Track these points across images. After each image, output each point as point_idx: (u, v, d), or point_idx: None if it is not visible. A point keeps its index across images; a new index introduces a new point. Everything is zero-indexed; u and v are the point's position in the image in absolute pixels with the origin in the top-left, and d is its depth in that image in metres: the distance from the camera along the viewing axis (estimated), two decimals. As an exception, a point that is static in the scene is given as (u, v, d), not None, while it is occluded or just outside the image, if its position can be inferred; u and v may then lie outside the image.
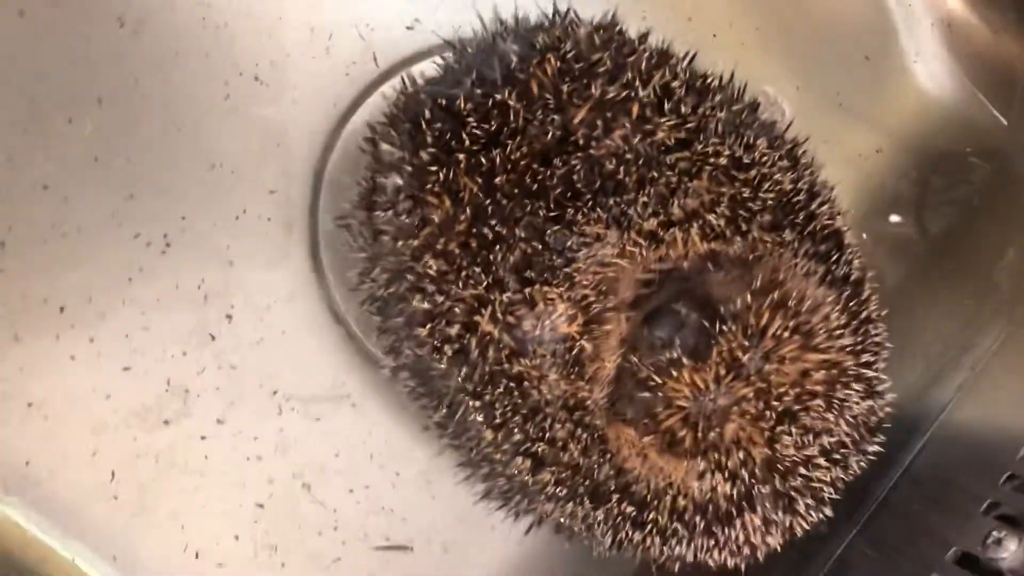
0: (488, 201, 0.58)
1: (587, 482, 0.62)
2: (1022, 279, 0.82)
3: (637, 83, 0.59)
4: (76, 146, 0.71)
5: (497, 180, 0.58)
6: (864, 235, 0.86)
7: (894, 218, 0.87)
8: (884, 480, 0.77)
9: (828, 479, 0.64)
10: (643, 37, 0.64)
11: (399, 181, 0.60)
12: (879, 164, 0.87)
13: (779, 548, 0.65)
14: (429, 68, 0.70)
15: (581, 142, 0.58)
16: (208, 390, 0.74)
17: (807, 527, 0.65)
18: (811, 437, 0.61)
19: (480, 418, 0.61)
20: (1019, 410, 0.74)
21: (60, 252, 0.70)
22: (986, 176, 0.86)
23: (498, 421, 0.61)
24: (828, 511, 0.66)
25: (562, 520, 0.65)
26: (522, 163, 0.58)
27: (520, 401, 0.60)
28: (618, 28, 0.64)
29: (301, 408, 0.77)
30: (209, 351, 0.75)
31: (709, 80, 0.63)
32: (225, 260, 0.75)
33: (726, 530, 0.63)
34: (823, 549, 0.76)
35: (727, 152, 0.60)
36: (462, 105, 0.59)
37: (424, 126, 0.59)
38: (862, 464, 0.66)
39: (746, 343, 0.60)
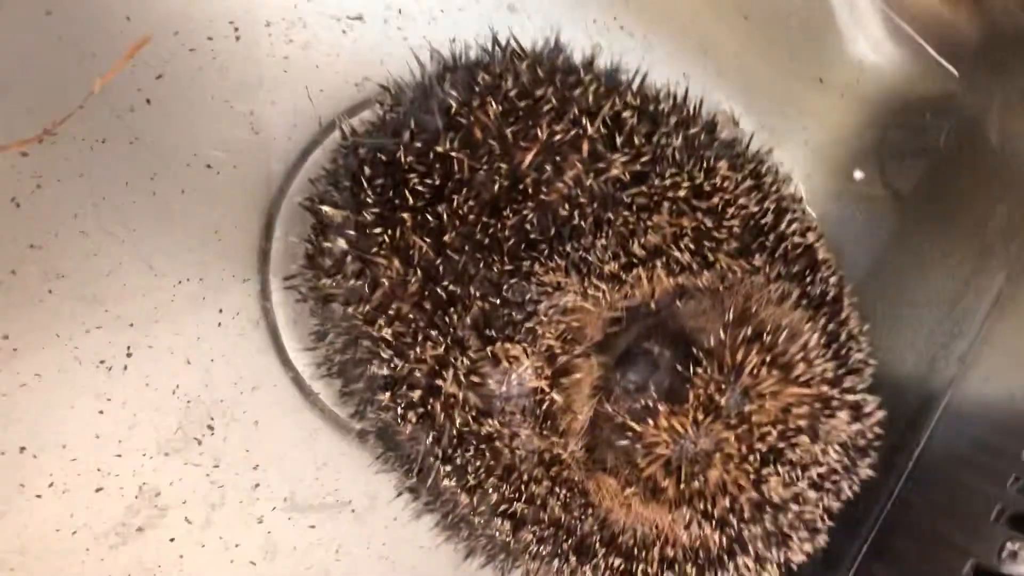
0: (439, 259, 0.54)
1: (571, 538, 0.60)
2: (1015, 235, 0.79)
3: (584, 120, 0.56)
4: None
5: (446, 237, 0.54)
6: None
7: (858, 174, 0.83)
8: (889, 488, 0.74)
9: (820, 509, 0.61)
10: (589, 64, 0.60)
11: (344, 245, 0.56)
12: (836, 125, 0.84)
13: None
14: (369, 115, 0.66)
15: (531, 189, 0.54)
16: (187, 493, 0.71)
17: (803, 558, 0.63)
18: (799, 472, 0.58)
19: (453, 482, 0.58)
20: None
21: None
22: (949, 129, 0.82)
23: (472, 483, 0.58)
24: (823, 539, 0.63)
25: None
26: (471, 216, 0.54)
27: (493, 462, 0.57)
28: (562, 55, 0.60)
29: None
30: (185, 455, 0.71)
31: (661, 105, 0.60)
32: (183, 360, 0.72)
33: (718, 574, 0.60)
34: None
35: (686, 182, 0.57)
36: (403, 159, 0.55)
37: (365, 184, 0.56)
38: (854, 488, 0.63)
39: (723, 382, 0.57)
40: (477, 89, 0.56)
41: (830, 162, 0.84)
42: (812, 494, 0.60)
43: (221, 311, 0.71)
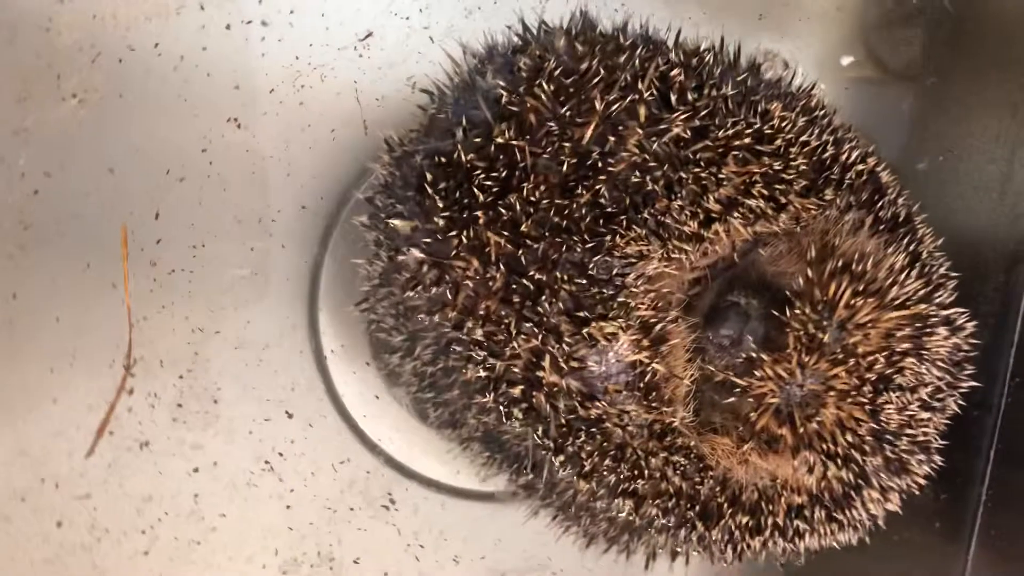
0: (519, 250, 0.53)
1: (695, 504, 0.58)
2: None
3: (636, 82, 0.54)
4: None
5: (523, 227, 0.53)
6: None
7: (845, 59, 0.81)
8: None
9: (932, 428, 0.60)
10: (622, 30, 0.59)
11: (419, 254, 0.55)
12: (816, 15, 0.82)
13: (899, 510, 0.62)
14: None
15: (598, 163, 0.53)
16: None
17: (922, 481, 0.62)
18: (909, 395, 0.57)
19: (568, 471, 0.57)
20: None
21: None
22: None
23: (588, 469, 0.57)
24: (938, 458, 0.62)
25: (677, 549, 0.61)
26: (543, 201, 0.53)
27: (605, 443, 0.56)
28: (596, 28, 0.59)
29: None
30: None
31: (704, 55, 0.58)
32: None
33: (847, 512, 0.59)
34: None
35: (747, 129, 0.55)
36: (462, 157, 0.54)
37: (430, 190, 0.54)
38: (959, 402, 0.62)
39: (820, 319, 0.56)
40: (522, 74, 0.55)
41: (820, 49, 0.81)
42: (924, 415, 0.59)
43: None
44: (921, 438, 0.60)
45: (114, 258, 0.71)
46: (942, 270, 0.62)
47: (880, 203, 0.60)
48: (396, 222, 0.56)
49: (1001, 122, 0.73)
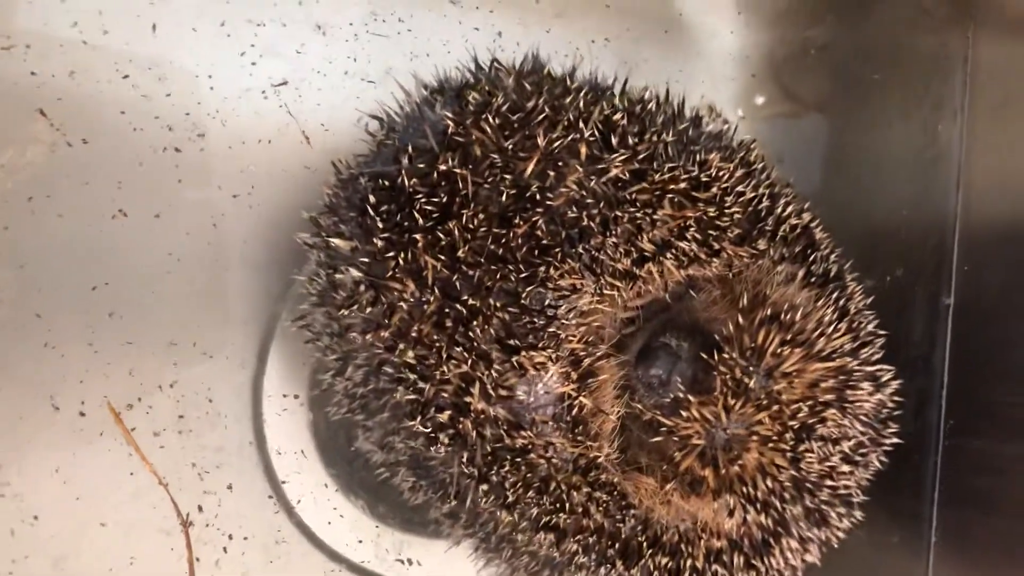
0: (455, 275, 0.53)
1: (615, 542, 0.58)
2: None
3: (579, 123, 0.55)
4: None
5: (459, 252, 0.53)
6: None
7: (759, 99, 0.82)
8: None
9: (853, 483, 0.60)
10: (571, 74, 0.60)
11: (357, 273, 0.54)
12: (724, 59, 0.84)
13: (818, 563, 0.62)
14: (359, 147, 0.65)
15: (537, 196, 0.53)
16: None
17: (842, 535, 0.62)
18: (831, 446, 0.57)
19: (491, 500, 0.56)
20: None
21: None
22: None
23: (511, 500, 0.56)
24: (858, 513, 0.62)
25: (596, 587, 0.60)
26: (481, 229, 0.53)
27: (529, 474, 0.56)
28: (545, 69, 0.60)
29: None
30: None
31: (648, 103, 0.59)
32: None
33: (765, 560, 0.59)
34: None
35: (684, 175, 0.56)
36: (406, 182, 0.54)
37: (371, 211, 0.54)
38: (882, 459, 0.62)
39: (747, 365, 0.56)
40: (470, 107, 0.56)
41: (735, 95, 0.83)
42: (845, 467, 0.58)
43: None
44: (842, 491, 0.59)
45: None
46: (870, 327, 0.62)
47: (812, 257, 0.61)
48: (337, 241, 0.55)
49: (911, 139, 0.74)
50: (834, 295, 0.61)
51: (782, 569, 0.59)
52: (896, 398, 0.62)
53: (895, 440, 0.62)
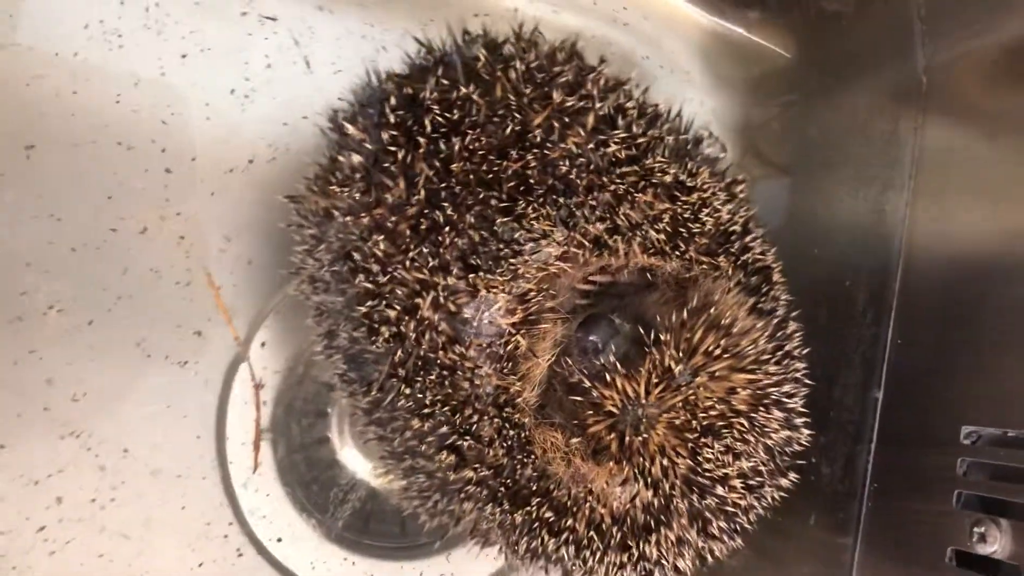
0: (443, 186, 0.55)
1: (508, 484, 0.58)
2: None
3: (595, 99, 0.58)
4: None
5: (453, 166, 0.55)
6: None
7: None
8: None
9: (743, 504, 0.61)
10: (601, 61, 0.63)
11: (358, 159, 0.57)
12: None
13: (690, 572, 0.62)
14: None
15: (537, 140, 0.56)
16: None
17: (717, 555, 0.62)
18: (731, 457, 0.58)
19: (409, 404, 0.57)
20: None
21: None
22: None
23: (427, 411, 0.57)
24: (740, 541, 0.63)
25: (478, 524, 0.61)
26: (479, 154, 0.56)
27: (451, 391, 0.57)
28: (578, 51, 0.63)
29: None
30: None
31: (659, 109, 0.63)
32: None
33: (640, 545, 0.59)
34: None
35: (672, 173, 0.59)
36: (427, 94, 0.57)
37: (388, 111, 0.57)
38: (775, 497, 0.63)
39: (679, 356, 0.57)
40: (502, 53, 0.59)
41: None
42: (738, 484, 0.59)
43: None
44: (729, 507, 0.60)
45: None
46: (799, 373, 0.64)
47: (765, 292, 0.63)
48: (350, 127, 0.58)
49: (860, 208, 0.77)
50: (775, 331, 0.62)
51: (653, 561, 0.60)
52: (803, 443, 0.63)
53: (788, 487, 0.63)
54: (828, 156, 0.79)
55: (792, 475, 0.64)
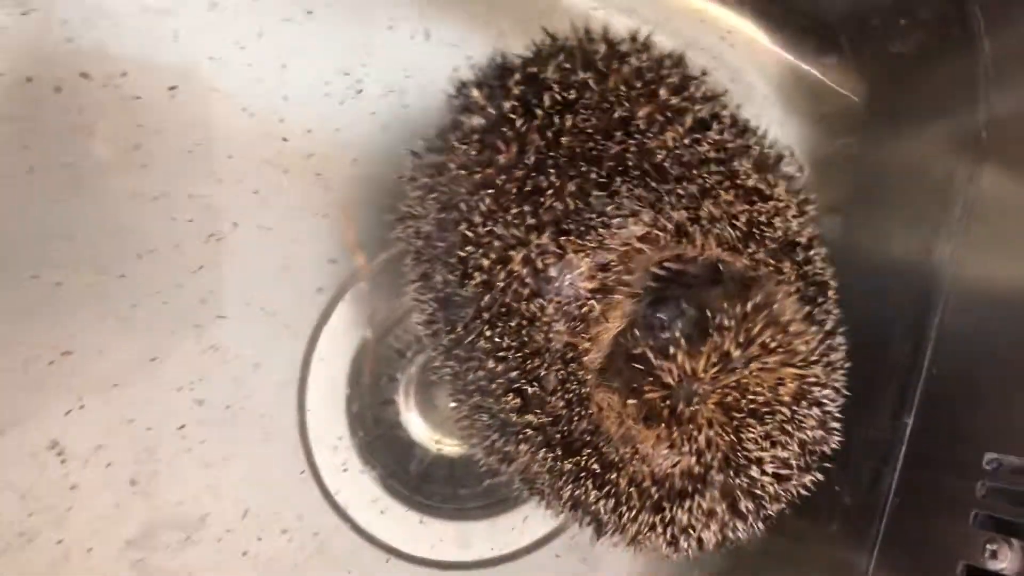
0: (550, 155, 0.61)
1: (564, 433, 0.63)
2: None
3: (696, 100, 0.64)
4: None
5: (563, 140, 0.61)
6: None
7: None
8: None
9: (771, 492, 0.65)
10: (703, 72, 0.69)
11: (479, 121, 0.63)
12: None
13: (711, 547, 0.66)
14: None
15: (641, 128, 0.62)
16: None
17: (740, 535, 0.67)
18: (768, 443, 0.63)
19: (487, 346, 0.63)
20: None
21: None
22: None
23: (501, 354, 0.62)
24: (762, 525, 0.67)
25: (528, 467, 0.66)
26: (587, 131, 0.62)
27: (526, 340, 0.62)
28: (684, 61, 0.69)
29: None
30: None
31: (749, 124, 0.68)
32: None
33: (673, 508, 0.64)
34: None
35: (753, 179, 0.65)
36: (549, 74, 0.63)
37: (512, 84, 0.63)
38: (800, 490, 0.68)
39: (738, 343, 0.63)
40: (619, 49, 0.65)
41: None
42: (770, 468, 0.64)
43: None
44: (758, 489, 0.65)
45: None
46: (837, 384, 0.69)
47: (821, 305, 0.68)
48: (476, 91, 0.64)
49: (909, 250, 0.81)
50: (824, 340, 0.67)
51: (681, 527, 0.64)
52: (833, 446, 0.68)
53: (812, 485, 0.68)
54: (883, 194, 0.84)
55: (818, 475, 0.69)
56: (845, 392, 0.69)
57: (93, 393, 0.78)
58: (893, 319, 0.77)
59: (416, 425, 0.90)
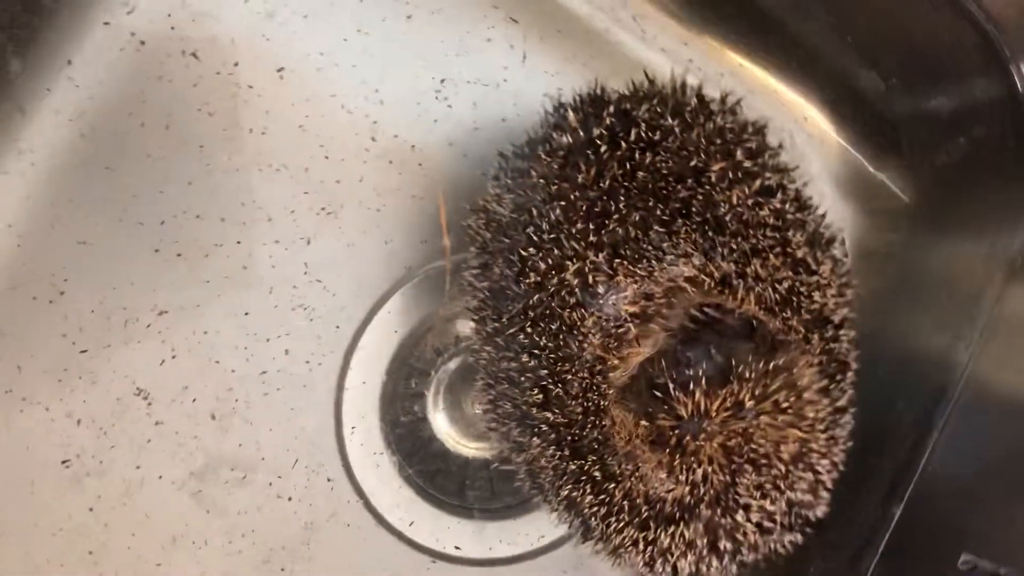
0: (624, 185, 0.66)
1: (575, 436, 0.68)
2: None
3: (767, 168, 0.69)
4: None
5: (639, 174, 0.66)
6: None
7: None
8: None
9: (751, 539, 0.69)
10: (779, 145, 0.74)
11: (567, 140, 0.68)
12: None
13: (679, 581, 0.70)
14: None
15: (709, 182, 0.67)
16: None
17: (713, 572, 0.70)
18: (760, 494, 0.67)
19: (525, 342, 0.68)
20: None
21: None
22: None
23: (536, 351, 0.67)
24: (734, 569, 0.71)
25: (536, 460, 0.70)
26: (661, 172, 0.67)
27: (561, 344, 0.67)
28: (764, 132, 0.74)
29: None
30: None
31: (810, 202, 0.73)
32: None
33: (658, 530, 0.68)
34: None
35: (803, 251, 0.69)
36: (640, 114, 0.68)
37: (606, 115, 0.69)
38: (779, 548, 0.71)
39: (753, 396, 0.67)
40: (708, 108, 0.70)
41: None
42: (754, 518, 0.68)
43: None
44: (739, 535, 0.68)
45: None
46: (836, 459, 0.72)
47: (838, 382, 0.72)
48: (570, 114, 0.70)
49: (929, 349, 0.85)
50: (834, 414, 0.71)
51: (660, 550, 0.68)
52: (817, 515, 0.71)
53: (792, 548, 0.71)
54: (915, 295, 0.88)
55: (799, 537, 0.72)
56: (841, 467, 0.73)
57: (184, 346, 0.87)
58: (901, 412, 0.80)
59: (440, 421, 0.95)
